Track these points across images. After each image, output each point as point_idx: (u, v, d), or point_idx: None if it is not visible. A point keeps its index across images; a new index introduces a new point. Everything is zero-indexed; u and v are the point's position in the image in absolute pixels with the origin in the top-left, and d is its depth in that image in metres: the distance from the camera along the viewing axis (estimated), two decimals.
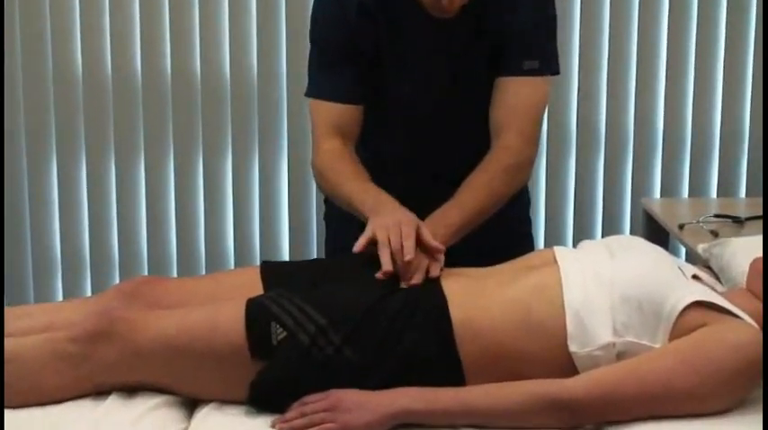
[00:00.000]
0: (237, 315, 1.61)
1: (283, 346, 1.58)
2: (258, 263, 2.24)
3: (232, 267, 3.20)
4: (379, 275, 1.69)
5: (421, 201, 1.89)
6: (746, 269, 1.74)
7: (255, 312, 1.61)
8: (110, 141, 3.16)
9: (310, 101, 2.06)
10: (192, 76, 3.12)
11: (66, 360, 1.61)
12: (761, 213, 2.47)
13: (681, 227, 2.43)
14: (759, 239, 2.01)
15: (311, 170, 2.06)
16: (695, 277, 1.73)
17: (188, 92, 3.13)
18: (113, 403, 1.61)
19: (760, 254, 1.76)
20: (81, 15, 3.07)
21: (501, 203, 1.98)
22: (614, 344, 1.57)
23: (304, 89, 2.07)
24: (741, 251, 1.96)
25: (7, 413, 1.57)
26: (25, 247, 3.22)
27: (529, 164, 2.03)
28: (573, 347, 1.58)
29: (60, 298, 3.24)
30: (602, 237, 3.12)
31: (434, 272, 1.73)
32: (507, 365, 1.59)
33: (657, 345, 1.56)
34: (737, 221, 2.46)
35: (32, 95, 3.12)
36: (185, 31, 3.09)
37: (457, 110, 2.07)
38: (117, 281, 3.20)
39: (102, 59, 3.10)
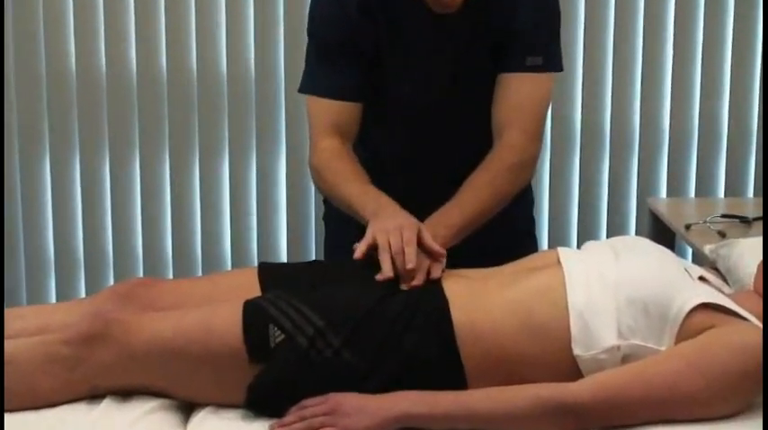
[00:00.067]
0: (234, 317, 1.60)
1: (281, 349, 1.57)
2: (256, 264, 2.22)
3: (229, 268, 3.18)
4: (378, 277, 1.68)
5: (421, 202, 1.88)
6: (754, 270, 1.74)
7: (253, 314, 1.60)
8: (104, 140, 3.13)
9: (307, 97, 2.03)
10: (189, 74, 3.10)
11: (60, 362, 1.60)
12: None
13: (687, 227, 2.41)
14: None
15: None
16: (702, 278, 1.72)
17: (184, 89, 3.11)
18: (108, 406, 1.59)
19: None
20: (75, 11, 3.05)
21: (504, 203, 1.97)
22: (619, 348, 1.55)
23: None
24: (749, 252, 1.95)
25: None
26: (18, 247, 3.19)
27: (532, 162, 2.02)
28: (577, 350, 1.56)
29: (54, 299, 3.23)
30: (607, 237, 3.12)
31: (435, 273, 1.71)
32: (510, 368, 1.58)
33: (663, 348, 1.55)
34: (745, 222, 2.44)
35: (25, 93, 3.10)
36: (181, 28, 3.07)
37: (457, 109, 2.05)
38: (111, 282, 3.19)
39: (97, 56, 3.07)
